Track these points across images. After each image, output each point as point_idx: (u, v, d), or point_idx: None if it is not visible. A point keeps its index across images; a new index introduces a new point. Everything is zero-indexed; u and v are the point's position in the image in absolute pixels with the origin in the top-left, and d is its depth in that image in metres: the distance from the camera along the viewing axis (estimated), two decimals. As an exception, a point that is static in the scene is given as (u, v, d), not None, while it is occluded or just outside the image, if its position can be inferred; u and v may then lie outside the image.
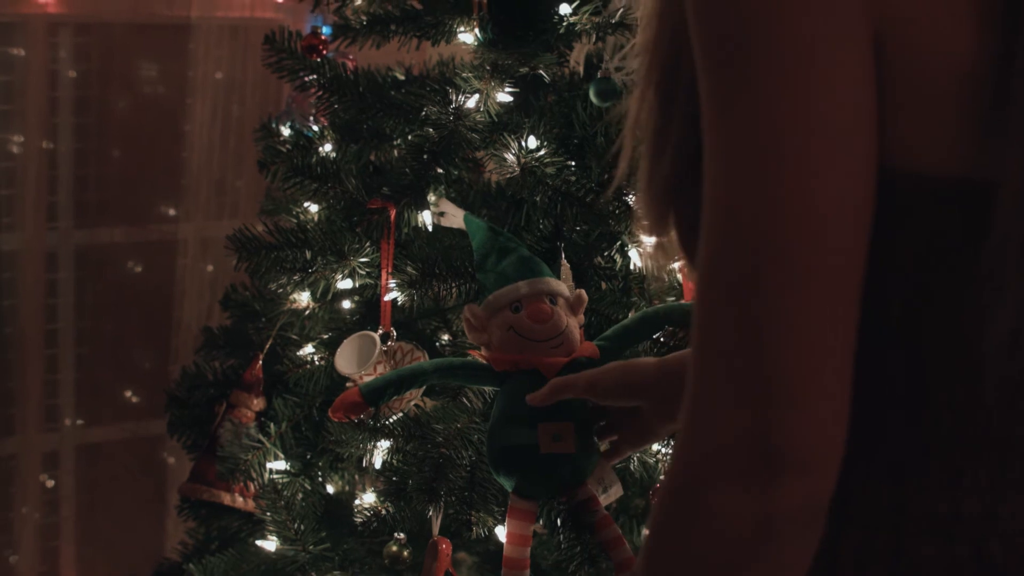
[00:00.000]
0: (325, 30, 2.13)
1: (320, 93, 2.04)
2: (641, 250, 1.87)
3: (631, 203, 1.84)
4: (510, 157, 1.85)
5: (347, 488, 2.04)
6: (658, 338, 1.79)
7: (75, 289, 3.47)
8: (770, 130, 0.78)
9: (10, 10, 3.25)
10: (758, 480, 0.78)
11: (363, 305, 2.07)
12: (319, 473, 2.03)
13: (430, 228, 1.91)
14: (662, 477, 1.83)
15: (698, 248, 0.82)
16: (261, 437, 2.02)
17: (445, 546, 1.73)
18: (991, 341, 0.82)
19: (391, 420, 1.78)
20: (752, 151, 0.78)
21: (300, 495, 2.01)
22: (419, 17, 1.99)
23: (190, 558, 2.29)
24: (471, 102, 1.87)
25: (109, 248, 3.54)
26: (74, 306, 3.47)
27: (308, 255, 1.93)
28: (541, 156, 1.85)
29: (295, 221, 2.10)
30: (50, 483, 3.50)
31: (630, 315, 1.78)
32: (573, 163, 1.88)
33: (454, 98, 1.87)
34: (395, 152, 2.01)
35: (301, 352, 2.10)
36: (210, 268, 3.49)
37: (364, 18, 2.05)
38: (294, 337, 2.13)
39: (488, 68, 1.87)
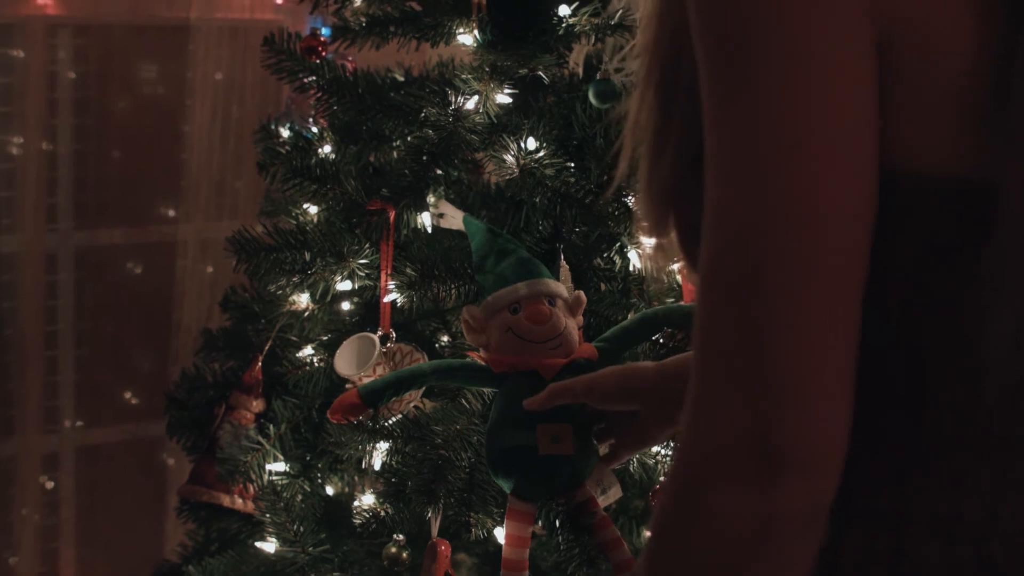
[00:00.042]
0: (324, 31, 2.13)
1: (319, 94, 2.04)
2: (640, 251, 1.87)
3: (630, 204, 1.84)
4: (509, 158, 1.85)
5: (346, 490, 2.04)
6: (657, 339, 1.79)
7: (75, 290, 3.47)
8: (771, 130, 0.78)
9: (9, 11, 3.25)
10: (759, 480, 0.78)
11: (362, 307, 2.07)
12: (318, 475, 2.03)
13: (429, 229, 1.91)
14: (662, 478, 1.83)
15: (699, 249, 0.81)
16: (260, 439, 2.02)
17: (444, 547, 1.73)
18: (992, 341, 0.82)
19: (390, 422, 1.78)
20: (753, 151, 0.78)
21: (299, 497, 2.01)
22: (418, 18, 1.99)
23: (189, 560, 2.29)
24: (470, 103, 1.87)
25: (109, 249, 3.54)
26: (74, 307, 3.47)
27: (307, 257, 1.93)
28: (540, 157, 1.85)
29: (294, 222, 2.10)
30: (50, 485, 3.50)
31: (629, 316, 1.78)
32: (572, 164, 1.88)
33: (453, 99, 1.87)
34: (394, 153, 2.01)
35: (300, 354, 2.10)
36: (210, 269, 3.49)
37: (363, 19, 2.04)
38: (293, 339, 2.13)
39: (487, 69, 1.87)
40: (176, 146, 3.49)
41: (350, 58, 2.27)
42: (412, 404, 1.81)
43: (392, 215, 1.87)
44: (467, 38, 1.95)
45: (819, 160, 0.78)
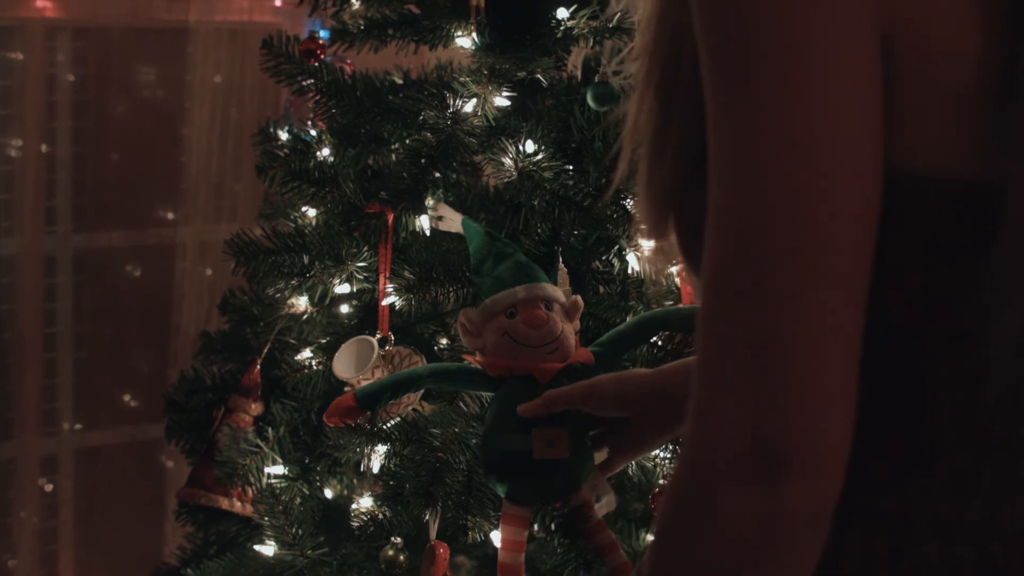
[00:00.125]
0: (323, 34, 2.13)
1: (318, 97, 2.04)
2: (639, 254, 1.87)
3: (629, 207, 1.84)
4: (508, 161, 1.85)
5: (345, 492, 2.04)
6: (655, 342, 1.79)
7: (73, 293, 3.47)
8: (773, 132, 0.78)
9: (8, 14, 3.25)
10: (763, 482, 0.78)
11: (361, 309, 2.07)
12: (317, 477, 2.03)
13: (428, 232, 1.91)
14: (661, 481, 1.83)
15: (700, 250, 0.81)
16: (259, 441, 2.02)
17: (442, 550, 1.73)
18: (994, 342, 0.82)
19: (389, 425, 1.78)
20: (756, 153, 0.78)
21: (298, 499, 2.01)
22: (417, 21, 1.99)
23: (188, 562, 2.28)
24: (469, 106, 1.87)
25: (107, 252, 3.54)
26: (72, 310, 3.47)
27: (306, 259, 1.93)
28: (539, 160, 1.85)
29: (293, 225, 2.10)
30: (49, 487, 3.50)
31: (627, 319, 1.77)
32: (571, 167, 1.88)
33: (452, 102, 1.87)
34: (393, 156, 2.01)
35: (299, 356, 2.10)
36: (208, 272, 3.49)
37: (362, 22, 2.04)
38: (292, 341, 2.13)
39: (486, 72, 1.87)
40: (175, 149, 3.49)
41: (349, 61, 2.27)
42: (410, 407, 1.81)
43: (391, 218, 1.87)
44: (465, 41, 1.95)
45: (823, 162, 0.77)
